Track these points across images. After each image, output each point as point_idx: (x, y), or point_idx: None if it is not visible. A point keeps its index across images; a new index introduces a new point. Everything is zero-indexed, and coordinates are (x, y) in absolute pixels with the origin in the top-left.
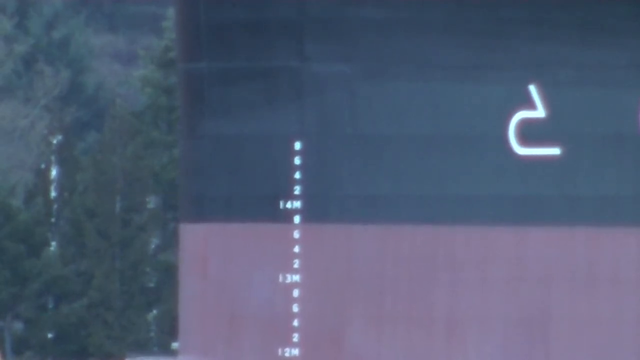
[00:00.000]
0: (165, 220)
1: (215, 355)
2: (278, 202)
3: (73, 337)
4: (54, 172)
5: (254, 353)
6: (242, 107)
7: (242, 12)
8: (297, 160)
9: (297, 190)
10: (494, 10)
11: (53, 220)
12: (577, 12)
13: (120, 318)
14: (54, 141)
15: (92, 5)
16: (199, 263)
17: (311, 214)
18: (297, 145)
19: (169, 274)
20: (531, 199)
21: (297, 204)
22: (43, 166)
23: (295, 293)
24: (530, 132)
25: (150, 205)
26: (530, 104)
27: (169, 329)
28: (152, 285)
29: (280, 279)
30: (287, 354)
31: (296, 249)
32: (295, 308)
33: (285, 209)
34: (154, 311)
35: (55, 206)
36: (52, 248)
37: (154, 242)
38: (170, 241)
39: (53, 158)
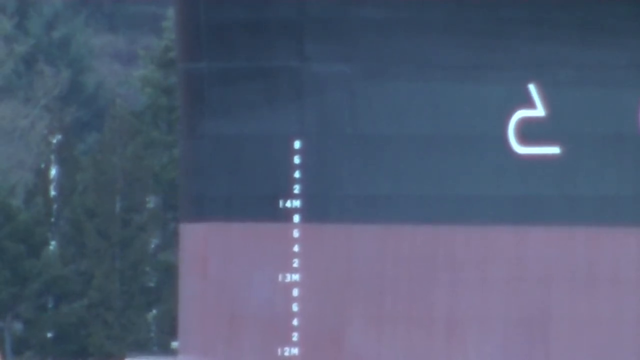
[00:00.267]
0: (165, 220)
1: (215, 355)
2: (278, 201)
3: (73, 337)
4: (53, 172)
5: (254, 352)
6: (242, 107)
7: (242, 12)
8: (296, 160)
9: (297, 189)
10: (494, 10)
11: (53, 220)
12: (577, 12)
13: (120, 318)
14: (54, 141)
15: (92, 5)
16: (199, 263)
17: (311, 213)
18: (297, 145)
19: (169, 273)
20: (531, 199)
21: (297, 203)
22: (43, 166)
23: (295, 292)
24: (530, 132)
25: (150, 205)
26: (530, 104)
27: (169, 328)
28: (152, 285)
29: (280, 278)
30: (286, 354)
31: (296, 249)
32: (295, 307)
33: (285, 209)
34: (154, 311)
35: (55, 206)
36: (52, 248)
37: (154, 242)
38: (170, 241)
39: (53, 158)
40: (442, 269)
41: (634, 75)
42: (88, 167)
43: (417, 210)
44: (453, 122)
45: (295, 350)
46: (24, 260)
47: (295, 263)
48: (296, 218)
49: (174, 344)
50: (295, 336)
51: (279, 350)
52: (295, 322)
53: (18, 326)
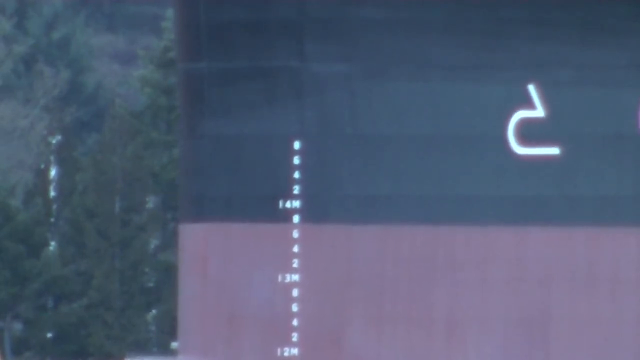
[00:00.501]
0: (165, 220)
1: (214, 355)
2: (277, 202)
3: (73, 337)
4: (53, 172)
5: (254, 353)
6: (242, 107)
7: (242, 12)
8: (296, 160)
9: (297, 190)
10: (494, 10)
11: (52, 220)
12: (577, 12)
13: (120, 318)
14: (53, 141)
15: (92, 5)
16: (199, 263)
17: (311, 213)
18: (297, 145)
19: (169, 274)
20: (531, 199)
21: (297, 203)
22: (42, 166)
23: (295, 293)
24: (530, 132)
25: (150, 206)
26: (529, 104)
27: (169, 329)
28: (151, 285)
29: (280, 278)
30: (286, 354)
31: (295, 249)
32: (295, 308)
33: (285, 209)
34: (154, 311)
35: (54, 206)
36: (51, 248)
37: (153, 242)
38: (170, 241)
39: (52, 158)
40: (442, 269)
41: (634, 75)
42: (88, 167)
43: (417, 210)
44: (453, 122)
45: (294, 351)
46: (24, 260)
47: (295, 263)
48: (296, 218)
49: (174, 345)
50: (294, 336)
51: (279, 351)
52: (295, 322)
53: (18, 326)
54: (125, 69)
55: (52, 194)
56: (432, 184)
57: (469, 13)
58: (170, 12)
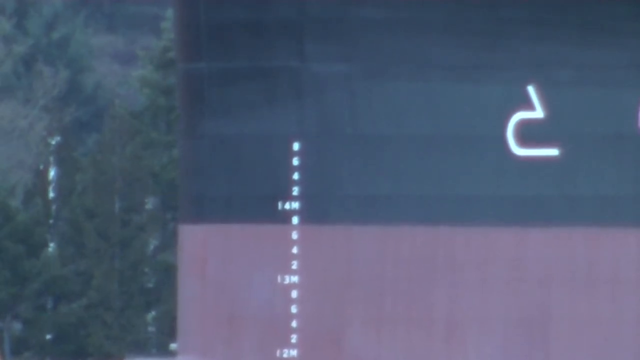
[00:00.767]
0: (164, 221)
1: (214, 356)
2: (277, 202)
3: (72, 338)
4: (52, 173)
5: (253, 354)
6: (242, 107)
7: (242, 12)
8: (295, 161)
9: (296, 191)
10: (494, 10)
11: (52, 220)
12: (577, 12)
13: (120, 318)
14: (53, 142)
15: (91, 5)
16: (198, 264)
17: (310, 214)
18: (296, 146)
19: (168, 274)
20: (531, 200)
21: (296, 204)
22: (42, 166)
23: (294, 294)
24: (529, 133)
25: (149, 206)
26: (529, 105)
27: (168, 329)
28: (151, 285)
29: (279, 279)
30: (285, 355)
31: (295, 250)
32: (294, 309)
33: (284, 210)
34: (153, 312)
35: (54, 206)
36: (51, 248)
37: (153, 243)
38: (170, 242)
39: (52, 158)
40: (442, 270)
41: (634, 75)
42: (87, 167)
43: (417, 210)
44: (453, 122)
45: (294, 352)
46: (23, 260)
47: (295, 264)
48: (295, 219)
49: (173, 346)
50: (294, 338)
51: (278, 352)
52: (294, 323)
53: (17, 326)
54: (124, 69)
55: (52, 194)
56: (432, 184)
57: (469, 13)
58: (170, 12)
